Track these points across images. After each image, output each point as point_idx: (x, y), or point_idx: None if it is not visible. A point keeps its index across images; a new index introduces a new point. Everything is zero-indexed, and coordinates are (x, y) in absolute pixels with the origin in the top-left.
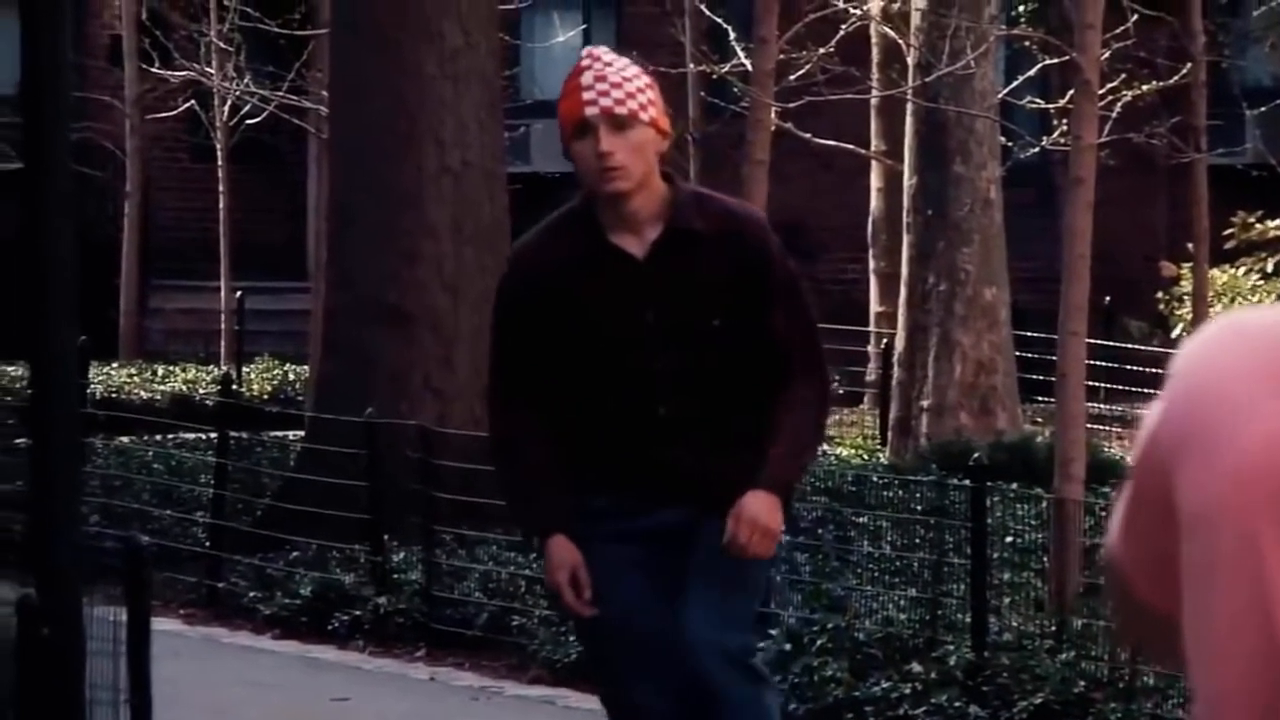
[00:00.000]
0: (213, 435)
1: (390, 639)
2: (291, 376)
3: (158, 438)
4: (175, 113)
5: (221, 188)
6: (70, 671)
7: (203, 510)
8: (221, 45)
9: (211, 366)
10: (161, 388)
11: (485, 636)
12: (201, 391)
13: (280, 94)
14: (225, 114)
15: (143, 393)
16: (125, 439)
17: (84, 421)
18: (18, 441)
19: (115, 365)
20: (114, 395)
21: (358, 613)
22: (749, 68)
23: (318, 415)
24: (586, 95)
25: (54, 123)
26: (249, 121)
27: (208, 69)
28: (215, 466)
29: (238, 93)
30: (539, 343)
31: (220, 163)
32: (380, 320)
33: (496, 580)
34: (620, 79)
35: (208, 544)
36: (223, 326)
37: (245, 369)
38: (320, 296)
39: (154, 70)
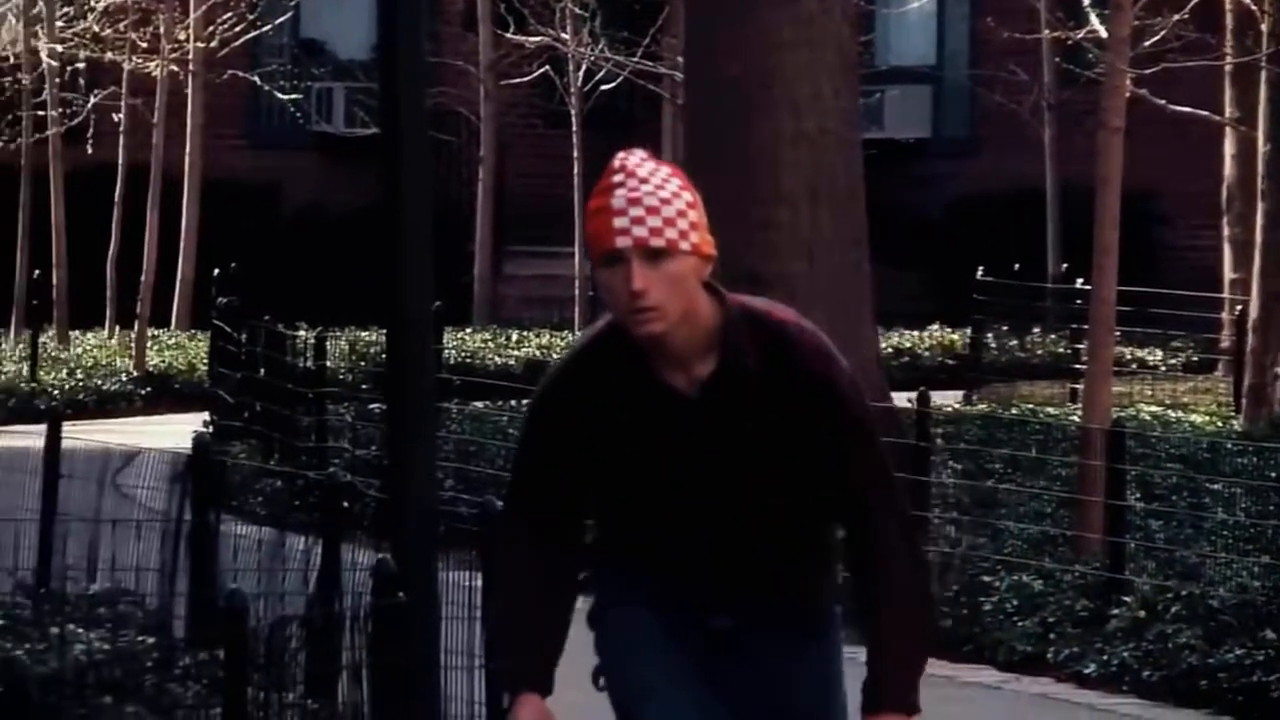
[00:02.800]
0: None
1: None
2: None
3: (511, 403)
4: (529, 78)
5: (575, 153)
6: (425, 636)
7: None
8: (576, 10)
9: (565, 332)
10: (515, 353)
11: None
12: (555, 356)
13: (634, 59)
14: (579, 80)
15: (497, 358)
16: (479, 404)
17: (439, 387)
18: (373, 407)
19: (469, 331)
20: (468, 360)
21: None
22: (1104, 34)
23: None
24: (618, 222)
25: (409, 89)
26: (603, 87)
27: (562, 34)
28: None
29: (592, 58)
30: (573, 475)
31: (574, 129)
32: (735, 286)
33: None
34: (657, 202)
35: None
36: (576, 292)
37: None
38: None
39: (508, 35)
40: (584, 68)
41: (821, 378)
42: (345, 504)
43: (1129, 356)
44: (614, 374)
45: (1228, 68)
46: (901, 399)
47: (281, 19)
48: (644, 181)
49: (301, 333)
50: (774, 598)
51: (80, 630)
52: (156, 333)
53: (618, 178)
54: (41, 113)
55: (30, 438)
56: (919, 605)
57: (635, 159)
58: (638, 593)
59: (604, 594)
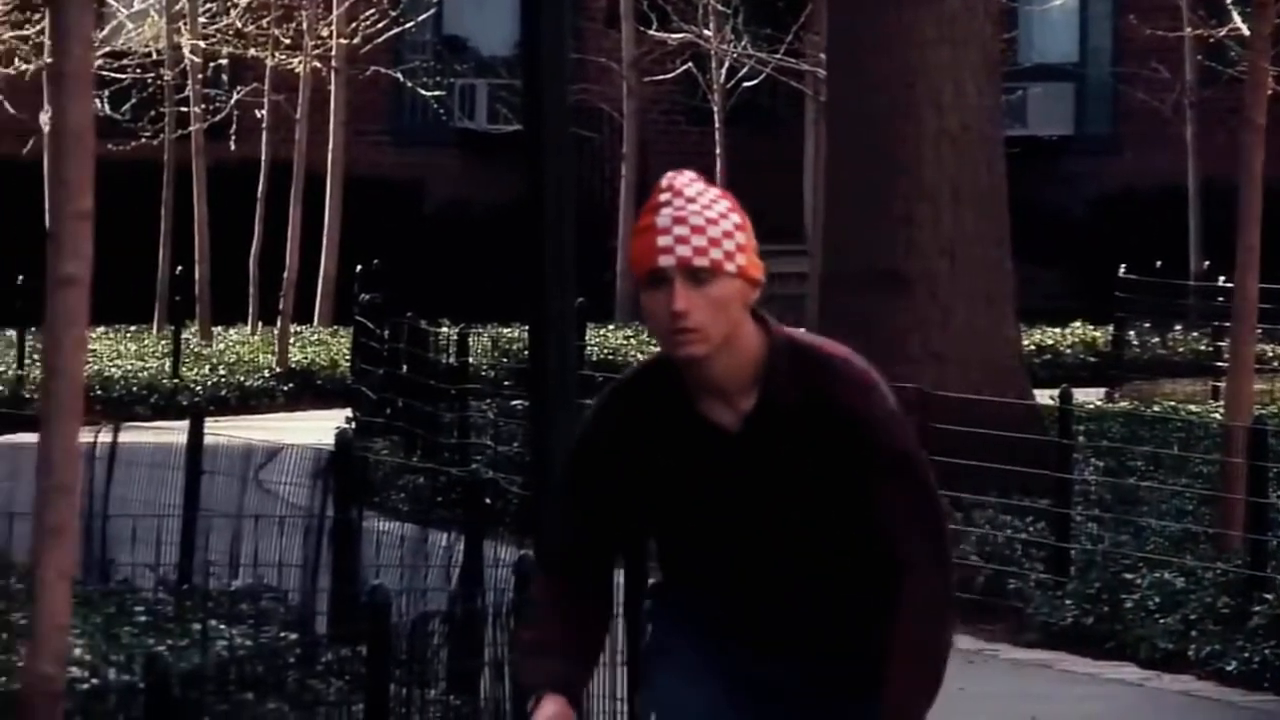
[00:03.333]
0: None
1: None
2: None
3: None
4: (672, 75)
5: (718, 150)
6: None
7: None
8: (719, 7)
9: None
10: (656, 349)
11: (982, 599)
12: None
13: (777, 56)
14: (722, 76)
15: (638, 355)
16: None
17: (580, 384)
18: (515, 404)
19: (611, 327)
20: (610, 357)
21: None
22: (1246, 31)
23: None
24: (662, 241)
25: (552, 86)
26: (745, 84)
27: (705, 31)
28: None
29: (735, 55)
30: (607, 503)
31: (717, 125)
32: (877, 284)
33: (992, 543)
34: (704, 221)
35: None
36: None
37: None
38: (817, 259)
39: (651, 32)
40: (726, 64)
41: (856, 410)
42: (487, 500)
43: (1271, 354)
44: (657, 407)
45: None
46: (1044, 396)
47: (424, 15)
48: (690, 201)
49: (444, 329)
50: (821, 648)
51: (222, 626)
52: (299, 329)
53: (664, 196)
54: (184, 109)
55: (173, 434)
56: (934, 666)
57: (684, 179)
58: (687, 637)
59: (657, 632)
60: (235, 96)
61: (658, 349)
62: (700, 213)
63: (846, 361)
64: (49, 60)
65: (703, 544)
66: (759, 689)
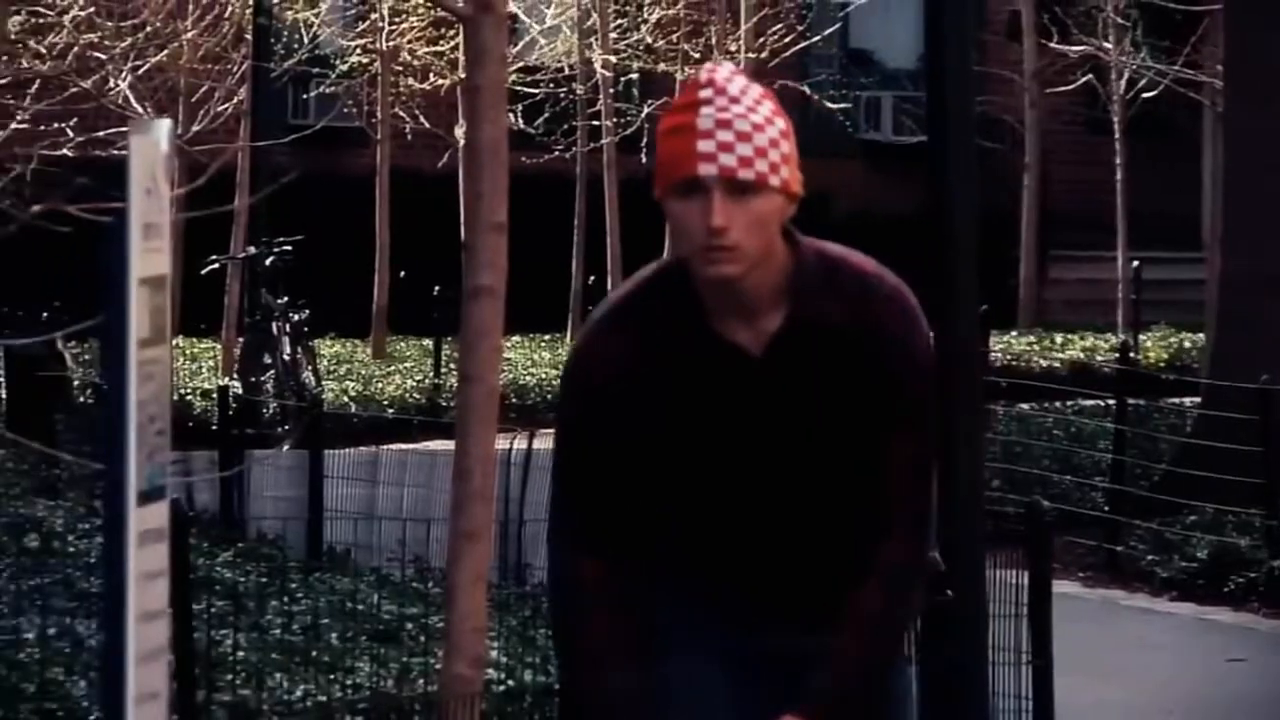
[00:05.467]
0: (1111, 402)
1: None
2: (1187, 344)
3: (1056, 404)
4: (1072, 87)
5: (1118, 160)
6: (973, 633)
7: (1101, 475)
8: (1119, 21)
9: (1109, 335)
10: (1060, 355)
11: None
12: (1100, 359)
13: (1175, 68)
14: (1122, 88)
15: (1042, 360)
16: (1025, 405)
17: (986, 389)
18: None
19: (1014, 333)
20: (1014, 363)
21: (1252, 575)
22: None
23: (1213, 382)
24: (703, 146)
25: (957, 97)
26: (1145, 95)
27: (1105, 44)
28: (1114, 433)
29: (1134, 67)
30: (617, 455)
31: (1116, 135)
32: (1277, 290)
33: None
34: (749, 127)
35: (1106, 509)
36: (1120, 296)
37: (1142, 337)
38: (1216, 266)
39: (1052, 45)
40: (1126, 76)
41: (898, 341)
42: None
43: None
44: (665, 326)
45: None
46: None
47: (830, 30)
48: (734, 101)
49: None
50: (817, 611)
51: None
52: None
53: (705, 93)
54: (596, 123)
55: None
56: (889, 643)
57: (725, 73)
58: (673, 611)
59: (659, 612)
60: (645, 110)
61: (671, 263)
62: (746, 116)
63: (882, 278)
64: (463, 76)
65: (706, 485)
66: (750, 663)
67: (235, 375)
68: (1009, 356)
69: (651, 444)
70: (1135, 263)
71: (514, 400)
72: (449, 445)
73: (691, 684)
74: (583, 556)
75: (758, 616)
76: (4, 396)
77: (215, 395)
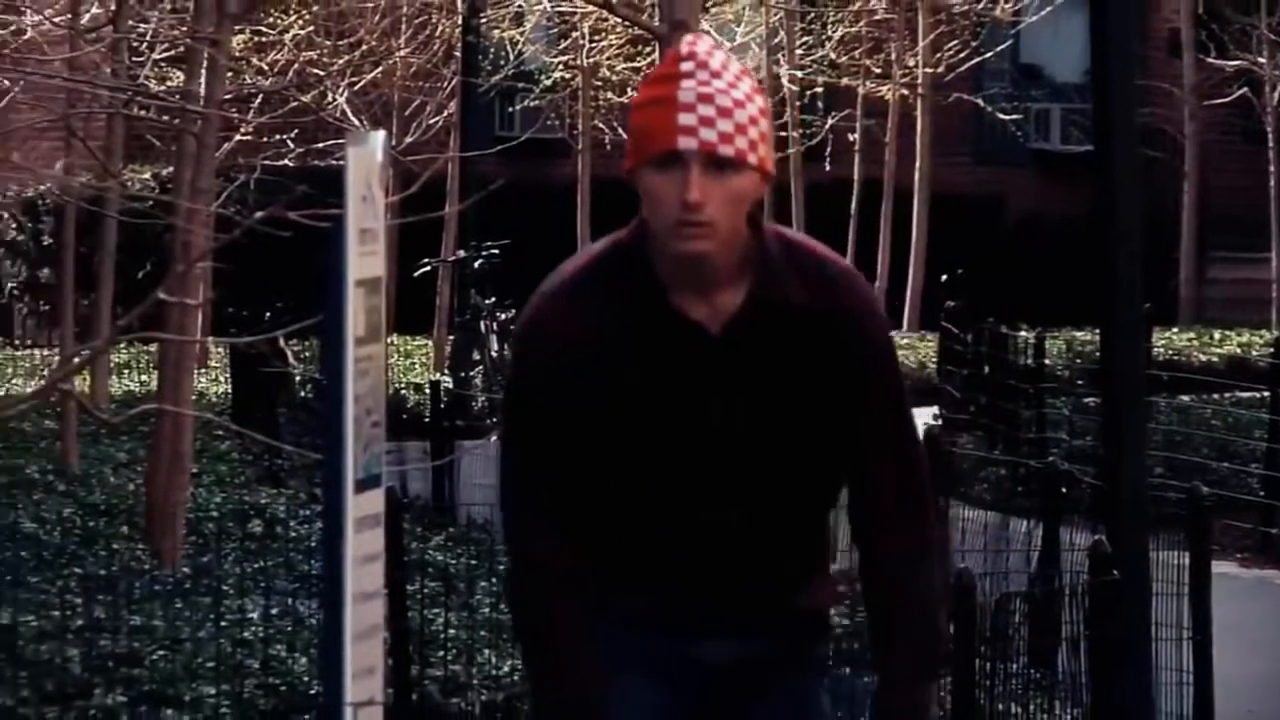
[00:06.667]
0: (1265, 393)
1: None
2: None
3: (1214, 396)
4: (1229, 99)
5: (1271, 168)
6: (1138, 610)
7: (1256, 463)
8: (1271, 37)
9: (1263, 331)
10: (1218, 350)
11: None
12: (1255, 353)
13: None
14: (1276, 100)
15: (1200, 355)
16: (1185, 398)
17: (1148, 382)
18: (1088, 401)
19: (1175, 330)
20: (1174, 358)
21: None
22: None
23: None
24: (683, 119)
25: (1121, 109)
26: None
27: (1259, 59)
28: (1269, 422)
29: None
30: (568, 430)
31: (1270, 145)
32: None
33: None
34: (730, 103)
35: (1261, 494)
36: (1274, 294)
37: None
38: None
39: (1210, 60)
40: (1279, 89)
41: (863, 319)
42: (1063, 490)
43: None
44: (622, 301)
45: None
46: None
47: (1002, 46)
48: (716, 76)
49: (1022, 333)
50: (762, 613)
51: None
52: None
53: (687, 65)
54: (783, 133)
55: None
56: (934, 638)
57: (705, 46)
58: (612, 624)
59: (598, 613)
60: (830, 122)
61: (626, 237)
62: (727, 91)
63: (840, 263)
64: None
65: (655, 465)
66: (691, 672)
67: (446, 370)
68: (1170, 352)
69: (602, 419)
70: None
71: None
72: None
73: (625, 703)
74: (537, 537)
75: (697, 618)
76: (230, 391)
77: (427, 389)
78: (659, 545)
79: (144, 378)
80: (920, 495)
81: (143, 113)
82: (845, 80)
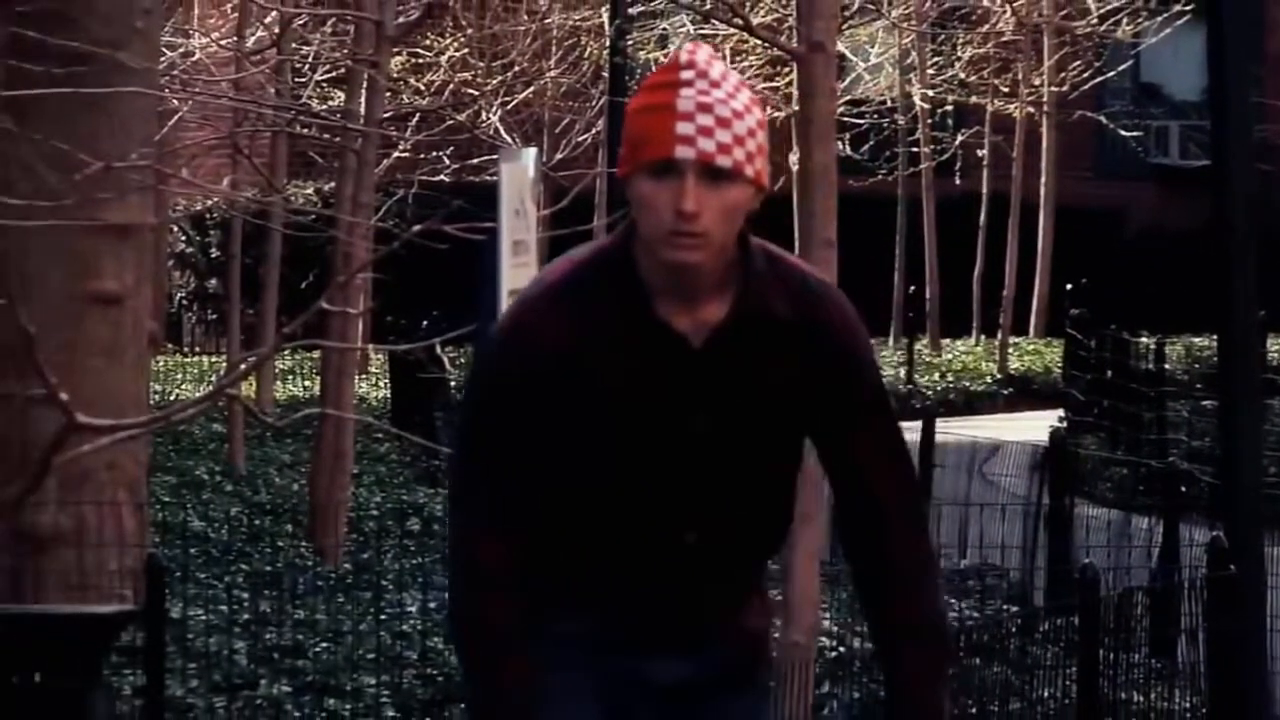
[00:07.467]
0: None
1: None
2: None
3: None
4: None
5: None
6: (1254, 604)
7: None
8: None
9: None
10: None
11: None
12: None
13: None
14: None
15: None
16: None
17: (1263, 385)
18: (1206, 403)
19: None
20: None
21: None
22: None
23: None
24: (681, 128)
25: (1237, 126)
26: None
27: None
28: None
29: None
30: (535, 438)
31: None
32: None
33: None
34: (729, 113)
35: None
36: None
37: None
38: None
39: None
40: None
41: (846, 336)
42: (1183, 488)
43: None
44: (605, 309)
45: None
46: None
47: (1123, 66)
48: (715, 85)
49: (1143, 339)
50: (716, 631)
51: (952, 600)
52: (1016, 340)
53: (686, 74)
54: (915, 149)
55: (909, 433)
56: (943, 639)
57: (705, 55)
58: (563, 648)
59: (545, 627)
60: (959, 138)
61: (610, 245)
62: (726, 102)
63: (822, 280)
64: (796, 108)
65: (621, 476)
66: (638, 693)
67: None
68: None
69: (575, 429)
70: None
71: None
72: None
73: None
74: (486, 539)
75: (647, 637)
76: (389, 396)
77: None
78: (614, 561)
79: (307, 383)
80: (918, 501)
81: (305, 131)
82: (974, 99)
